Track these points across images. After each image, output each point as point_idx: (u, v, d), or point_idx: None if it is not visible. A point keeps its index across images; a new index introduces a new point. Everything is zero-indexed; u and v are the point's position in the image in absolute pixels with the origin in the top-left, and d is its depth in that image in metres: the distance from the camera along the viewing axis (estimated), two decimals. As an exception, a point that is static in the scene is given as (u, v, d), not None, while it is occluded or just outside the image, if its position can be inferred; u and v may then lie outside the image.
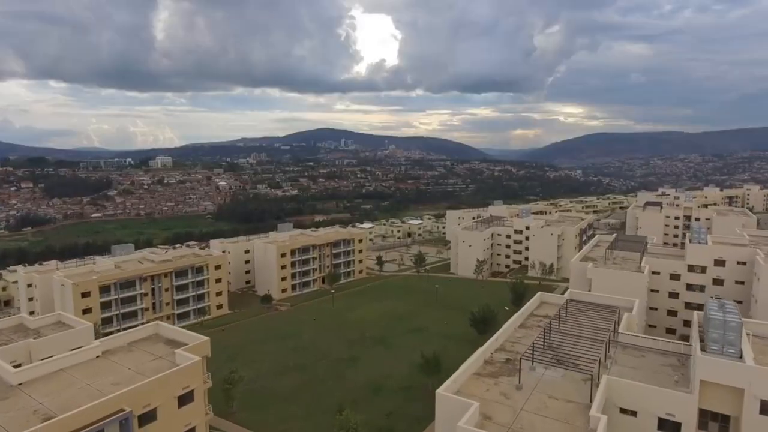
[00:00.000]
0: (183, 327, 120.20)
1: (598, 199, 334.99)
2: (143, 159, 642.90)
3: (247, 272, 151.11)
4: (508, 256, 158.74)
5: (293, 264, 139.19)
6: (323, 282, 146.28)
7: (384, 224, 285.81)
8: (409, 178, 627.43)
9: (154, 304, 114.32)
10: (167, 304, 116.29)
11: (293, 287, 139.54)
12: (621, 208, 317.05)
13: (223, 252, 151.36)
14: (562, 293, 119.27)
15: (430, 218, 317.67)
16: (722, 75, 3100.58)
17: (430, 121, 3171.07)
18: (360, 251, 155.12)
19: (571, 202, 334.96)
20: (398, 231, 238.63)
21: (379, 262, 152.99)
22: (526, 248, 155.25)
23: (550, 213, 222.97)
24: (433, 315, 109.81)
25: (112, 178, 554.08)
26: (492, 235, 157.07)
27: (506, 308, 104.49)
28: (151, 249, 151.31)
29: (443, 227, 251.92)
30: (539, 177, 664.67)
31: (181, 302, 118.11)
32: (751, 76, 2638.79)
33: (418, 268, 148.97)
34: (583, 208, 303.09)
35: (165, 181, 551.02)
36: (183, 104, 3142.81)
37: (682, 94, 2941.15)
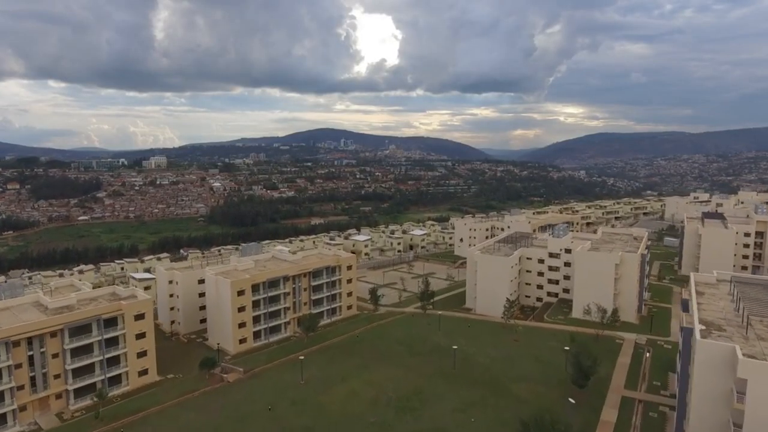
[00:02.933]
0: (79, 409, 79.39)
1: (617, 203, 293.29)
2: (138, 159, 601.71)
3: (203, 308, 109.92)
4: (540, 287, 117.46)
5: (256, 304, 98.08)
6: (298, 324, 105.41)
7: (382, 233, 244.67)
8: (410, 178, 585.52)
9: (33, 378, 73.23)
10: (56, 376, 75.19)
11: (256, 335, 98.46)
12: (644, 213, 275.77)
13: (171, 282, 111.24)
14: (640, 365, 72.85)
15: (433, 225, 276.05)
16: (723, 75, 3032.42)
17: (431, 121, 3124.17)
18: (349, 281, 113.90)
19: (587, 206, 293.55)
20: (399, 243, 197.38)
21: (374, 296, 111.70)
22: (565, 277, 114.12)
23: (577, 225, 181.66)
24: (452, 400, 68.68)
25: (103, 179, 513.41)
26: (519, 259, 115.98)
27: (571, 400, 63.48)
28: (69, 280, 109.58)
29: (450, 237, 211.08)
30: (542, 178, 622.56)
31: (81, 372, 76.99)
32: (752, 76, 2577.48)
33: (424, 305, 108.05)
34: (603, 214, 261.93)
35: (157, 183, 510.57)
36: (183, 104, 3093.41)
37: (682, 94, 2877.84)
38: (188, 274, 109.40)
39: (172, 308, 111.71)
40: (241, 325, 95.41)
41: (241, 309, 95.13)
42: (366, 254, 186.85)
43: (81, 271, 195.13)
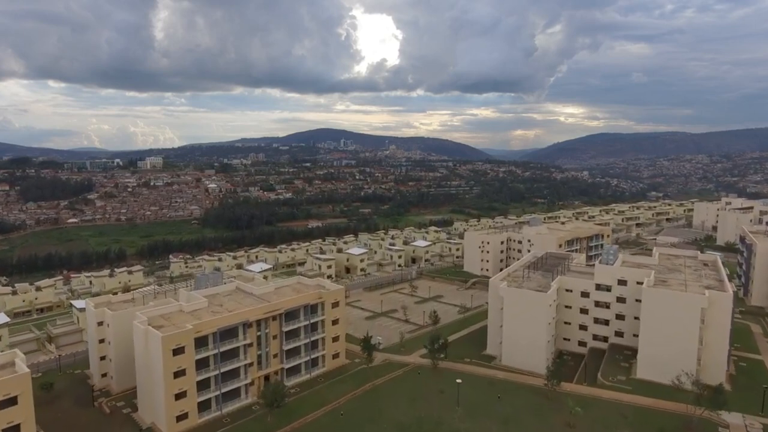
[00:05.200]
0: None
1: (635, 207, 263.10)
2: (133, 159, 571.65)
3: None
4: (584, 327, 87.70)
5: (204, 363, 68.45)
6: (266, 381, 75.96)
7: (382, 241, 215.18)
8: (410, 179, 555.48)
9: None
10: None
11: (203, 406, 68.69)
12: (667, 219, 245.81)
13: (100, 323, 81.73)
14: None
15: (437, 231, 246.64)
16: (724, 75, 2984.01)
17: (431, 121, 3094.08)
18: (335, 322, 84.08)
19: (602, 211, 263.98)
20: (399, 257, 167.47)
21: (367, 345, 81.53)
22: (618, 316, 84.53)
23: (607, 237, 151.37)
24: None
25: (96, 180, 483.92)
26: (557, 290, 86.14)
27: None
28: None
29: (457, 249, 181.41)
30: (545, 179, 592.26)
31: None
32: (753, 75, 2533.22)
33: (435, 356, 78.36)
34: (623, 220, 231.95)
35: (151, 184, 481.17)
36: (183, 104, 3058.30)
37: (683, 94, 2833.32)
38: (122, 315, 79.37)
39: (102, 358, 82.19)
40: (180, 395, 65.65)
41: (179, 373, 65.40)
42: (362, 270, 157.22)
43: (38, 288, 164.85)
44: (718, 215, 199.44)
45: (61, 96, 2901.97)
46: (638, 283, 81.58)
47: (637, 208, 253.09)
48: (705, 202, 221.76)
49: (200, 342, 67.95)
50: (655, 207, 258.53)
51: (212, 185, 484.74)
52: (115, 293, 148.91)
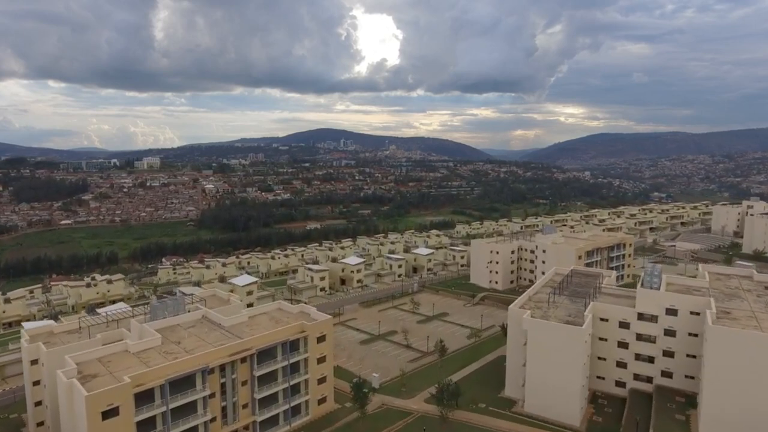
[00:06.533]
0: None
1: (646, 210, 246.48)
2: (130, 160, 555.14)
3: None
4: (623, 365, 71.31)
5: (148, 424, 52.23)
6: (235, 440, 59.73)
7: (380, 247, 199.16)
8: (411, 180, 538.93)
9: None
10: None
11: (148, 479, 52.65)
12: (683, 223, 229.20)
13: (34, 362, 65.56)
14: None
15: (438, 235, 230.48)
16: (724, 75, 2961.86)
17: (431, 121, 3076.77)
18: (321, 360, 67.82)
19: (611, 213, 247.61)
20: (400, 266, 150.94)
21: (359, 391, 64.91)
22: (666, 353, 68.12)
23: (629, 246, 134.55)
24: None
25: (91, 180, 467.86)
26: (591, 319, 69.63)
27: None
28: None
29: (461, 256, 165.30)
30: (547, 179, 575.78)
31: None
32: (753, 75, 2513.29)
33: (444, 405, 62.22)
34: (636, 224, 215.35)
35: (148, 184, 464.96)
36: (183, 104, 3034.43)
37: (683, 94, 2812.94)
38: (58, 353, 62.81)
39: (38, 403, 66.02)
40: (114, 470, 49.46)
41: (111, 442, 49.16)
42: (358, 281, 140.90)
43: (7, 300, 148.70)
44: (739, 220, 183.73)
45: (61, 96, 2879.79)
46: (692, 313, 65.68)
47: (650, 211, 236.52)
48: (724, 206, 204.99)
49: (144, 397, 51.65)
50: (668, 210, 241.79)
51: (209, 186, 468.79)
52: (88, 305, 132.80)
